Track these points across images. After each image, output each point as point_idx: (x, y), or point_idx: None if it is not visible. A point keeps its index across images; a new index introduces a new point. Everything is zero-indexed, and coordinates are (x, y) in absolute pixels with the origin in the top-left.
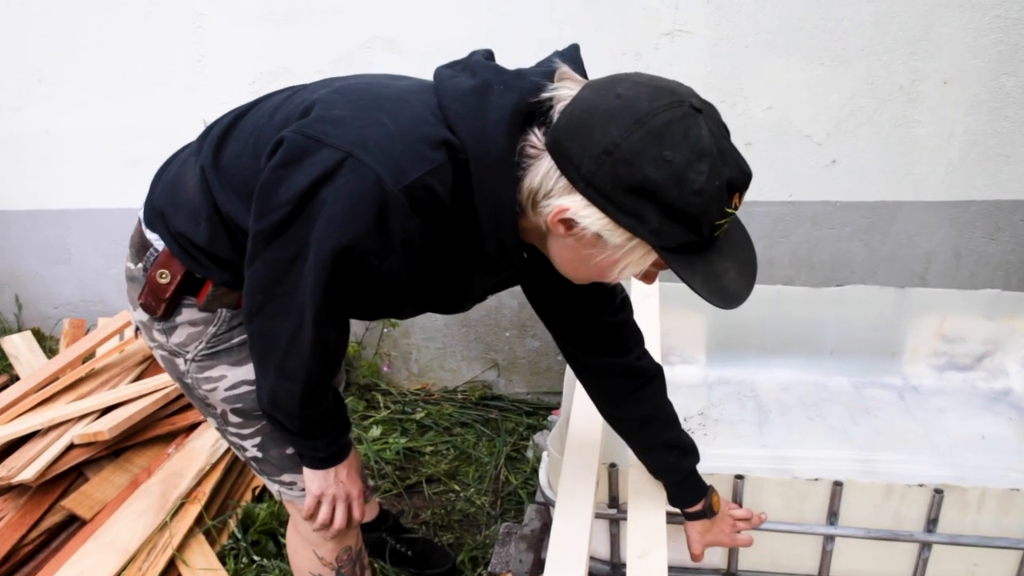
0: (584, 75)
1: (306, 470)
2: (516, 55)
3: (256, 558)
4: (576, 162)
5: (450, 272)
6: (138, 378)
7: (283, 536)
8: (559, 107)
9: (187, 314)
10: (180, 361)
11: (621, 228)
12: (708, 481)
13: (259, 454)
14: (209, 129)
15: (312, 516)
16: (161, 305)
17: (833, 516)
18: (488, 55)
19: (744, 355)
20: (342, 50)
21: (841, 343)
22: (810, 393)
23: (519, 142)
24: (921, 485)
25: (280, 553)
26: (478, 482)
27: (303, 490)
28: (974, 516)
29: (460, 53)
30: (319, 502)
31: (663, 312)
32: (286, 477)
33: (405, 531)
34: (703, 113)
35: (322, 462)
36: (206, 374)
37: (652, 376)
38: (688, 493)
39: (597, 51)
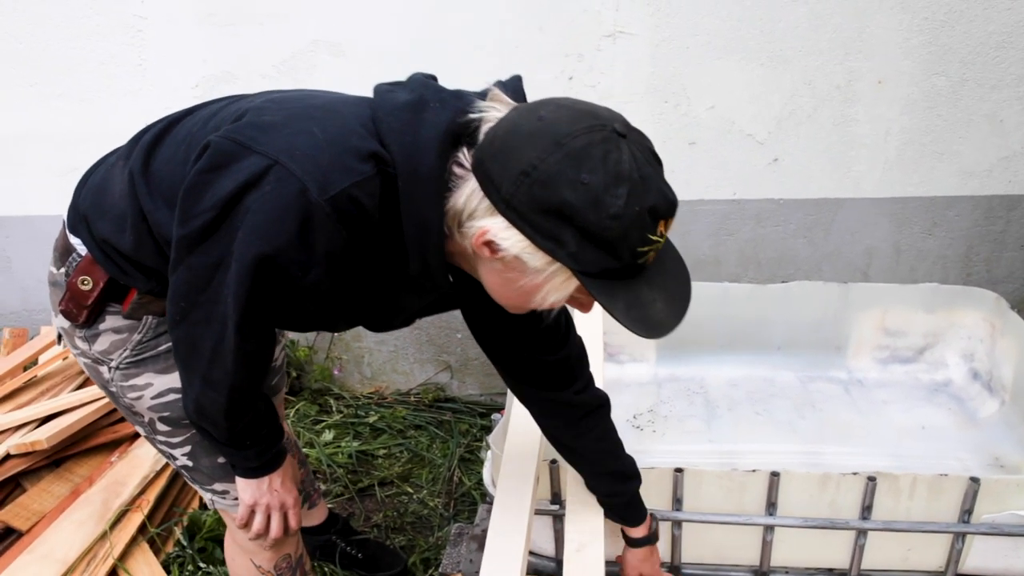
0: (524, 101)
1: (238, 479)
2: (458, 57)
3: (202, 565)
4: (496, 183)
5: (375, 290)
6: (81, 386)
7: None
8: (485, 128)
9: (111, 321)
10: (104, 369)
11: (541, 251)
12: (649, 475)
13: (189, 463)
14: (141, 134)
15: (246, 525)
16: (83, 312)
17: (772, 506)
18: (430, 77)
19: (693, 352)
20: (285, 53)
21: (788, 339)
22: (758, 388)
23: (450, 161)
24: (855, 473)
25: None
26: (431, 484)
27: (236, 499)
28: (907, 502)
29: (404, 55)
30: (253, 511)
31: None
32: (218, 486)
33: (355, 533)
34: (627, 138)
35: (254, 472)
36: (131, 382)
37: (593, 408)
38: (631, 511)
39: (539, 53)
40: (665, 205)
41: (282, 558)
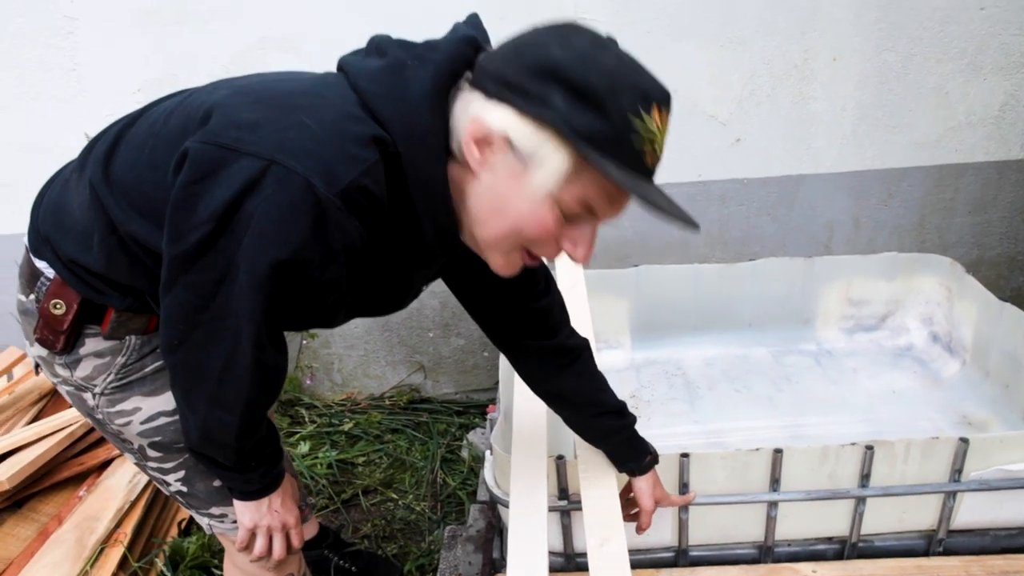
0: (488, 40)
1: (236, 502)
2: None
3: None
4: (489, 71)
5: (390, 271)
6: (35, 419)
7: (217, 568)
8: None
9: (91, 344)
10: (88, 396)
11: (529, 119)
12: None
13: (184, 488)
14: (93, 143)
15: (247, 548)
16: (60, 338)
17: (775, 483)
18: (389, 38)
19: (668, 335)
20: (232, 51)
21: (757, 315)
22: (733, 366)
23: (446, 115)
24: (854, 444)
25: None
26: (415, 488)
27: (235, 522)
28: (901, 467)
29: (359, 44)
30: (253, 534)
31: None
32: (215, 510)
33: (347, 545)
34: (610, 40)
35: (254, 494)
36: (118, 407)
37: (582, 351)
38: (637, 448)
39: (498, 40)
40: (658, 90)
41: None
